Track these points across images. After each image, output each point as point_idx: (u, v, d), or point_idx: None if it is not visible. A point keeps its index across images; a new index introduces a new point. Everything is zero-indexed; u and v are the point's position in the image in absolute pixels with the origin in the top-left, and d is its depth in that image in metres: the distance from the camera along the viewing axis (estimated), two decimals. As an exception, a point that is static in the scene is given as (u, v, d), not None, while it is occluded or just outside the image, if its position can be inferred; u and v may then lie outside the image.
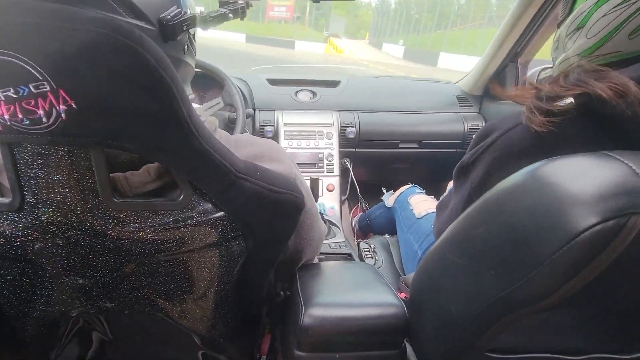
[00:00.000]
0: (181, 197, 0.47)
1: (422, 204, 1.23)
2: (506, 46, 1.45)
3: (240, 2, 0.65)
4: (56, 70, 0.36)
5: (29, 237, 0.45)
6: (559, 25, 0.63)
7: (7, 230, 0.45)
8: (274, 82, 1.71)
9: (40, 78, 0.36)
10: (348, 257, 1.14)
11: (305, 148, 1.53)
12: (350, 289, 0.68)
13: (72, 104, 0.38)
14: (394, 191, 1.44)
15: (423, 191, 1.37)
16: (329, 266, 0.80)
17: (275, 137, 1.54)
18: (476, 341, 0.52)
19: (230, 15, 0.61)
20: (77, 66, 0.37)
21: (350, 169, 1.68)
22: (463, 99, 1.77)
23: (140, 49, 0.37)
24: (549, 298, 0.42)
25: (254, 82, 1.66)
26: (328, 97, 1.68)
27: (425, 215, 1.16)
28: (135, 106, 0.40)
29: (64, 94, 0.37)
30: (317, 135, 1.55)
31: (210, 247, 0.52)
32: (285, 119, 1.55)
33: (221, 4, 0.66)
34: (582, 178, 0.39)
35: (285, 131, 1.53)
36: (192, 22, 0.54)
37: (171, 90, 0.40)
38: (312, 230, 0.68)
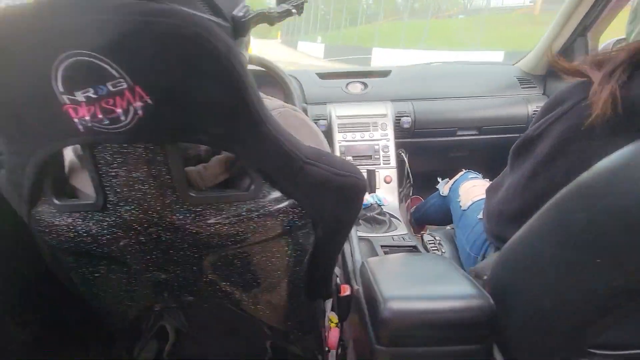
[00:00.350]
0: (252, 186, 0.47)
1: (470, 191, 1.16)
2: (575, 18, 1.34)
3: None
4: (132, 66, 0.37)
5: (114, 235, 0.47)
6: None
7: (93, 229, 0.47)
8: (323, 76, 1.70)
9: (117, 75, 0.37)
10: (413, 249, 1.11)
11: (360, 140, 1.51)
12: (429, 281, 0.66)
13: (148, 100, 0.38)
14: (450, 179, 1.39)
15: (478, 175, 1.30)
16: (401, 258, 0.78)
17: (328, 130, 1.53)
18: (578, 336, 0.48)
19: (294, 11, 0.61)
20: (151, 59, 0.37)
21: (406, 160, 1.63)
22: (525, 80, 1.66)
23: (211, 38, 0.37)
24: None
25: (303, 77, 1.66)
26: (380, 88, 1.64)
27: (470, 206, 1.10)
28: (208, 97, 0.40)
29: (140, 91, 0.38)
30: (371, 127, 1.52)
31: (282, 236, 0.52)
32: (337, 111, 1.54)
33: (280, 1, 0.67)
34: None
35: (339, 124, 1.52)
36: (261, 18, 0.54)
37: (242, 79, 0.40)
38: None
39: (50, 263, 0.57)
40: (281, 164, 0.47)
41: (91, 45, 0.36)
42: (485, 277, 0.75)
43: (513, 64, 1.79)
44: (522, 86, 1.64)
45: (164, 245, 0.48)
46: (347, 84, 1.66)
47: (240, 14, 0.52)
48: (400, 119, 1.55)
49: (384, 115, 1.53)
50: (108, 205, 0.46)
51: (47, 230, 0.49)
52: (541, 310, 0.51)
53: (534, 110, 1.57)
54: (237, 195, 0.48)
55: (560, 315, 0.49)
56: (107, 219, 0.46)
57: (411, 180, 1.65)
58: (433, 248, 1.12)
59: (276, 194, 0.49)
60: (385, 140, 1.52)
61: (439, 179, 1.46)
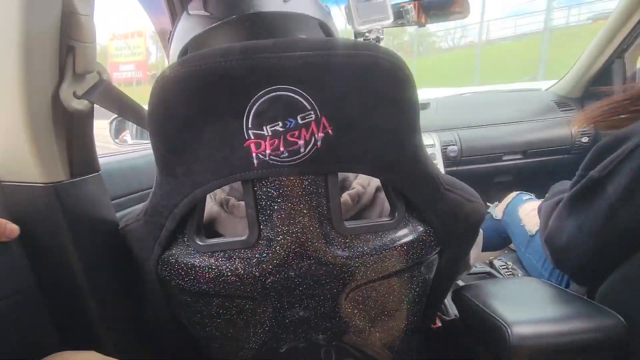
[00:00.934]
0: (396, 214, 0.48)
1: (532, 215, 1.14)
2: (614, 42, 1.39)
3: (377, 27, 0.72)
4: (324, 98, 0.39)
5: (263, 272, 0.47)
6: None
7: (240, 267, 0.47)
8: None
9: (309, 108, 0.39)
10: (487, 275, 1.10)
11: (411, 172, 1.53)
12: (544, 304, 0.65)
13: (329, 131, 0.40)
14: (499, 202, 1.38)
15: (532, 196, 1.29)
16: (496, 284, 0.77)
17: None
18: None
19: (382, 37, 0.67)
20: (345, 91, 0.39)
21: None
22: (562, 104, 1.69)
23: (405, 69, 0.40)
24: None
25: None
26: (422, 120, 1.67)
27: (538, 231, 1.09)
28: (386, 123, 0.42)
29: (325, 122, 0.40)
30: (420, 158, 1.54)
31: (415, 266, 0.52)
32: None
33: (357, 36, 0.73)
34: None
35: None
36: None
37: (416, 103, 0.42)
38: None
39: (164, 310, 0.57)
40: (427, 190, 0.48)
41: (291, 79, 0.38)
42: (584, 297, 0.73)
43: (546, 90, 1.83)
44: (560, 109, 1.67)
45: (310, 280, 0.48)
46: None
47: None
48: (446, 148, 1.58)
49: (432, 146, 1.55)
50: (260, 241, 0.46)
51: (182, 273, 0.49)
52: None
53: (577, 131, 1.59)
54: (384, 224, 0.49)
55: None
56: (257, 255, 0.46)
57: None
58: (508, 273, 1.10)
59: (414, 222, 0.50)
60: (435, 170, 1.53)
61: (488, 204, 1.46)
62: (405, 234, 0.50)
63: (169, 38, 0.60)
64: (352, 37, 0.80)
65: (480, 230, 0.77)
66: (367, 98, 0.40)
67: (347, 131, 0.41)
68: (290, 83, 0.38)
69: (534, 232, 1.10)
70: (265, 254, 0.46)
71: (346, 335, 0.55)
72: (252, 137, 0.40)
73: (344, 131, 0.41)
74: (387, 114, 0.41)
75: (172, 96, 0.40)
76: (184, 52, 0.54)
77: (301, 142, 0.40)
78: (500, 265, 1.13)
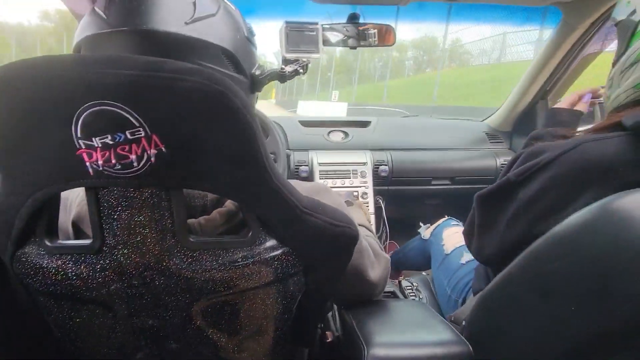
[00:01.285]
0: (250, 233, 0.49)
1: (453, 237, 1.21)
2: (537, 84, 1.49)
3: (303, 59, 0.72)
4: (152, 117, 0.39)
5: (106, 279, 0.47)
6: (614, 64, 0.66)
7: (84, 272, 0.47)
8: (306, 123, 1.77)
9: (137, 125, 0.39)
10: (391, 295, 1.13)
11: (340, 187, 1.55)
12: (410, 328, 0.67)
13: (162, 148, 0.40)
14: (431, 224, 1.43)
15: (460, 223, 1.36)
16: (381, 305, 0.79)
17: (310, 176, 1.57)
18: None
19: (301, 70, 0.67)
20: (173, 113, 0.39)
21: (383, 207, 1.68)
22: (492, 135, 1.78)
23: (231, 95, 0.40)
24: None
25: (287, 124, 1.71)
26: (360, 137, 1.71)
27: (453, 251, 1.15)
28: (221, 148, 0.42)
29: (156, 139, 0.40)
30: (351, 174, 1.57)
31: (274, 283, 0.53)
32: (319, 159, 1.59)
33: (285, 62, 0.73)
34: None
35: (320, 171, 1.56)
36: (274, 76, 0.60)
37: (254, 133, 0.43)
38: (362, 259, 0.67)
39: (26, 308, 0.55)
40: (279, 213, 0.49)
41: (116, 96, 0.38)
42: (463, 323, 0.77)
43: (482, 120, 1.92)
44: (490, 141, 1.76)
45: (156, 290, 0.48)
46: (329, 133, 1.72)
47: (258, 72, 0.58)
48: (378, 168, 1.62)
49: (364, 164, 1.59)
50: (104, 248, 0.46)
51: (32, 272, 0.48)
52: (525, 355, 0.53)
53: (502, 163, 1.68)
54: (234, 242, 0.49)
55: (545, 359, 0.51)
56: (101, 261, 0.46)
57: (387, 226, 1.69)
58: (411, 294, 1.14)
59: (272, 242, 0.51)
60: (364, 187, 1.57)
61: (421, 224, 1.50)
62: (260, 252, 0.50)
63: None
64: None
65: (387, 256, 0.79)
66: (197, 122, 0.40)
67: (182, 150, 0.41)
68: (116, 100, 0.38)
69: (448, 252, 1.15)
70: (108, 261, 0.47)
71: (203, 347, 0.55)
72: (83, 147, 0.40)
73: (178, 150, 0.41)
74: (222, 139, 0.42)
75: None
76: (78, 49, 0.54)
77: (133, 156, 0.40)
78: (406, 286, 1.16)
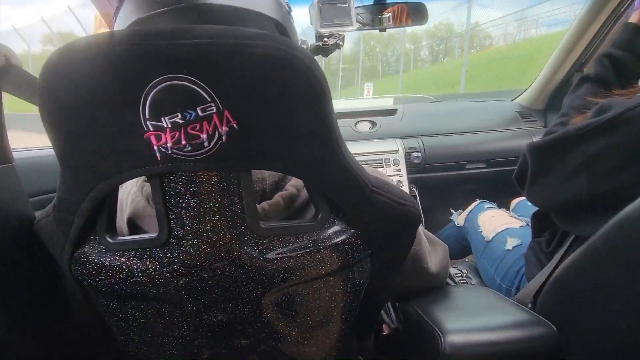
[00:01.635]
0: (319, 216, 0.47)
1: (490, 222, 1.16)
2: (573, 56, 1.42)
3: (339, 32, 0.70)
4: (224, 90, 0.36)
5: (174, 273, 0.44)
6: None
7: (151, 267, 0.44)
8: None
9: (209, 100, 0.36)
10: (442, 283, 1.09)
11: (374, 177, 1.52)
12: (481, 312, 0.64)
13: (234, 125, 0.38)
14: (463, 210, 1.39)
15: (493, 205, 1.31)
16: (441, 292, 0.76)
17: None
18: None
19: (341, 43, 0.65)
20: (245, 83, 0.37)
21: (417, 196, 1.64)
22: (526, 114, 1.72)
23: (308, 61, 0.38)
24: None
25: None
26: (388, 126, 1.68)
27: (494, 237, 1.10)
28: (293, 120, 0.40)
29: (228, 115, 0.37)
30: (384, 163, 1.54)
31: (343, 270, 0.50)
32: (350, 150, 1.56)
33: (320, 38, 0.71)
34: None
35: (352, 162, 1.53)
36: (319, 50, 0.58)
37: (329, 104, 0.40)
38: (420, 245, 0.65)
39: (83, 312, 0.54)
40: (349, 192, 0.47)
41: (186, 69, 0.35)
42: (529, 306, 0.73)
43: (512, 100, 1.86)
44: (523, 120, 1.70)
45: (226, 283, 0.46)
46: (356, 123, 1.69)
47: (305, 46, 0.54)
48: (410, 155, 1.58)
49: (396, 152, 1.55)
50: (171, 240, 0.44)
51: (93, 272, 0.46)
52: (618, 335, 0.50)
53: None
54: (304, 226, 0.47)
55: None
56: (168, 255, 0.44)
57: (422, 215, 1.65)
58: (462, 281, 1.10)
59: (340, 224, 0.48)
60: (398, 176, 1.53)
61: (452, 211, 1.47)
62: (329, 237, 0.48)
63: (113, 18, 0.56)
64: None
65: (445, 245, 0.76)
66: (273, 93, 0.38)
67: (254, 127, 0.39)
68: (186, 72, 0.36)
69: (490, 238, 1.11)
70: (176, 254, 0.44)
71: (272, 341, 0.53)
72: (151, 129, 0.38)
73: (250, 126, 0.38)
74: (296, 112, 0.39)
75: (58, 82, 0.37)
76: None
77: (204, 135, 0.38)
78: (455, 273, 1.12)
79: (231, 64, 0.36)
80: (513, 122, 1.70)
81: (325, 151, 0.43)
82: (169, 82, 0.36)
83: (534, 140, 1.60)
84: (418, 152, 1.59)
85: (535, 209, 0.90)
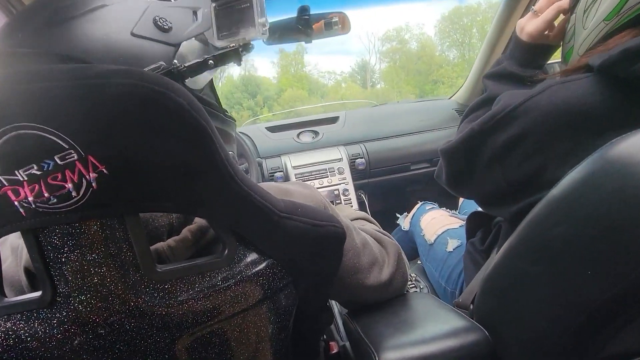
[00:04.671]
0: (226, 251, 0.44)
1: (431, 224, 1.17)
2: (499, 48, 1.47)
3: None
4: (83, 135, 0.34)
5: (66, 334, 0.40)
6: (571, 11, 0.64)
7: (40, 330, 0.40)
8: (273, 129, 1.72)
9: (67, 147, 0.33)
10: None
11: (320, 187, 1.50)
12: (418, 323, 0.63)
13: (104, 170, 0.35)
14: (408, 212, 1.39)
15: (435, 205, 1.32)
16: (384, 303, 0.75)
17: (286, 181, 1.51)
18: (583, 351, 0.46)
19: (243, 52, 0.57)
20: (106, 125, 0.34)
21: (366, 201, 1.64)
22: (462, 112, 1.77)
23: (172, 93, 0.35)
24: None
25: (254, 132, 1.66)
26: (330, 134, 1.67)
27: (436, 239, 1.10)
28: (172, 158, 0.37)
29: (93, 160, 0.34)
30: (328, 173, 1.53)
31: (263, 302, 0.47)
32: (293, 162, 1.54)
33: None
34: None
35: (295, 174, 1.51)
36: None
37: (207, 134, 0.38)
38: (359, 258, 0.60)
39: None
40: (255, 222, 0.44)
41: (34, 116, 0.32)
42: (471, 307, 0.73)
43: (449, 98, 1.91)
44: (460, 117, 1.74)
45: (128, 336, 0.42)
46: (298, 134, 1.67)
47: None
48: (355, 161, 1.58)
49: (340, 160, 1.54)
50: (58, 299, 0.39)
51: None
52: (538, 332, 0.49)
53: None
54: (209, 264, 0.43)
55: (560, 333, 0.47)
56: (57, 314, 0.40)
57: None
58: (411, 286, 1.09)
59: (252, 255, 0.46)
60: (344, 184, 1.52)
61: (398, 215, 1.47)
62: (241, 270, 0.44)
63: None
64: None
65: (394, 243, 0.73)
66: (138, 132, 0.35)
67: (127, 169, 0.36)
68: (34, 120, 0.32)
69: (432, 241, 1.11)
70: (65, 313, 0.40)
71: None
72: (6, 184, 0.34)
73: (122, 169, 0.35)
74: (170, 148, 0.36)
75: None
76: None
77: (69, 185, 0.35)
78: (404, 278, 1.11)
79: (85, 106, 0.33)
80: (452, 120, 1.73)
81: (218, 186, 0.40)
82: (16, 132, 0.32)
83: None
84: (362, 157, 1.59)
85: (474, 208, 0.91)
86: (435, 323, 0.62)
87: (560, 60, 0.73)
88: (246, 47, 0.57)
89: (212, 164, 0.39)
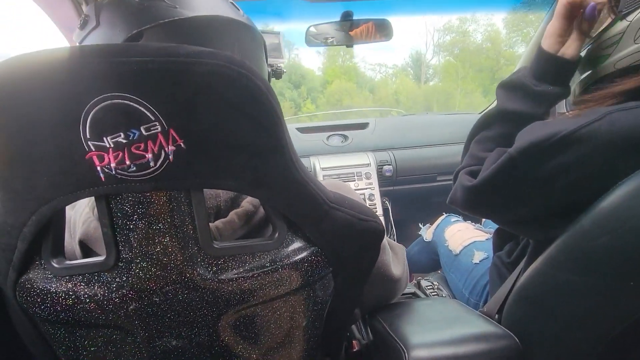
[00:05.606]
0: (277, 234, 0.46)
1: (457, 236, 1.16)
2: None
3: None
4: (168, 109, 0.36)
5: (124, 298, 0.43)
6: (623, 17, 0.57)
7: (99, 293, 0.42)
8: (304, 130, 1.74)
9: (153, 119, 0.36)
10: (413, 296, 1.08)
11: (346, 190, 1.52)
12: (447, 325, 0.64)
13: (181, 144, 0.37)
14: (431, 224, 1.39)
15: (460, 218, 1.31)
16: (410, 305, 0.76)
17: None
18: None
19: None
20: (190, 101, 0.36)
21: (390, 208, 1.65)
22: None
23: (253, 77, 0.37)
24: None
25: None
26: (360, 139, 1.69)
27: (462, 250, 1.10)
28: (243, 138, 0.39)
29: (174, 134, 0.37)
30: (355, 177, 1.54)
31: (304, 288, 0.49)
32: (322, 164, 1.56)
33: None
34: None
35: (324, 175, 1.53)
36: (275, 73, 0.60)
37: (279, 119, 0.40)
38: (383, 251, 0.63)
39: (30, 342, 0.50)
40: (307, 209, 0.46)
41: (127, 88, 0.35)
42: (496, 317, 0.73)
43: (479, 113, 1.91)
44: None
45: (179, 306, 0.44)
46: (328, 137, 1.70)
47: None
48: (382, 167, 1.59)
49: (367, 165, 1.56)
50: (120, 264, 0.42)
51: (38, 300, 0.43)
52: (572, 341, 0.50)
53: None
54: (261, 245, 0.45)
55: (595, 343, 0.48)
56: (117, 279, 0.42)
57: (394, 228, 1.66)
58: (433, 293, 1.09)
59: (299, 242, 0.47)
60: (370, 189, 1.54)
61: (421, 225, 1.47)
62: (288, 255, 0.46)
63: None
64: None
65: (402, 246, 0.75)
66: (218, 110, 0.37)
67: (202, 145, 0.38)
68: (127, 91, 0.35)
69: (457, 252, 1.11)
70: (125, 278, 0.42)
71: None
72: (93, 149, 0.36)
73: (198, 145, 0.38)
74: (244, 128, 0.39)
75: None
76: None
77: (149, 155, 0.37)
78: (427, 286, 1.12)
79: (174, 82, 0.35)
80: None
81: (280, 169, 0.42)
82: (110, 101, 0.35)
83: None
84: (389, 164, 1.60)
85: None
86: (465, 326, 0.62)
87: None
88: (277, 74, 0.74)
89: (279, 147, 0.41)
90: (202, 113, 0.37)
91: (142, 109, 0.35)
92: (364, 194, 1.53)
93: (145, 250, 0.42)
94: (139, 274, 0.42)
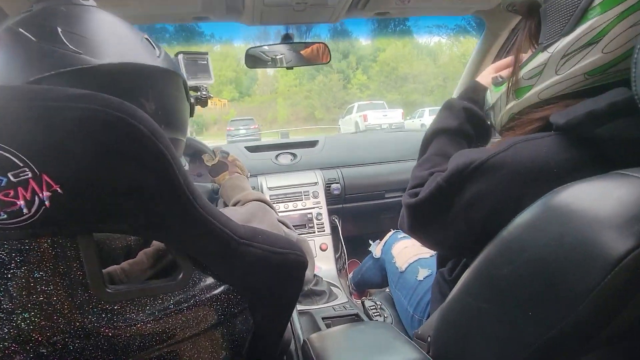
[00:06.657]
0: (181, 275, 0.44)
1: (403, 252, 1.18)
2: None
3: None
4: (39, 154, 0.34)
5: (6, 352, 0.39)
6: (543, 48, 0.59)
7: None
8: (252, 149, 1.72)
9: (21, 164, 0.34)
10: (355, 317, 1.08)
11: (293, 210, 1.51)
12: (373, 353, 0.63)
13: (57, 189, 0.35)
14: (381, 240, 1.41)
15: (407, 235, 1.34)
16: (341, 331, 0.75)
17: (260, 202, 1.51)
18: None
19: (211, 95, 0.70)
20: (63, 147, 0.35)
21: (339, 226, 1.65)
22: None
23: (133, 120, 0.36)
24: (598, 336, 0.39)
25: (233, 151, 1.66)
26: (309, 157, 1.69)
27: (407, 267, 1.11)
28: (129, 182, 0.38)
29: (47, 179, 0.35)
30: (303, 196, 1.53)
31: (217, 327, 0.47)
32: (268, 183, 1.54)
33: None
34: (606, 201, 0.38)
35: (270, 195, 1.51)
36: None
37: (167, 160, 0.39)
38: None
39: None
40: (212, 247, 0.44)
41: None
42: (429, 339, 0.73)
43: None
44: None
45: (71, 356, 0.41)
46: (277, 156, 1.69)
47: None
48: (330, 186, 1.59)
49: (315, 184, 1.56)
50: (0, 315, 0.39)
51: None
52: None
53: None
54: (162, 287, 0.43)
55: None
56: None
57: (344, 246, 1.66)
58: (375, 314, 1.09)
59: (208, 280, 0.46)
60: (317, 208, 1.53)
61: (370, 242, 1.48)
62: (195, 295, 0.44)
63: None
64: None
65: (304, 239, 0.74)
66: (95, 155, 0.36)
67: (82, 190, 0.36)
68: None
69: (403, 269, 1.12)
70: (6, 330, 0.39)
71: None
72: None
73: (77, 190, 0.36)
74: (128, 172, 0.37)
75: None
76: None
77: (20, 202, 0.35)
78: (370, 306, 1.12)
79: (44, 126, 0.34)
80: None
81: (177, 210, 0.41)
82: None
83: None
84: (337, 182, 1.60)
85: None
86: (390, 353, 0.62)
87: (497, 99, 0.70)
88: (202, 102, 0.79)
89: (170, 189, 0.39)
90: (78, 158, 0.35)
91: (8, 155, 0.33)
92: (311, 212, 1.52)
93: (26, 300, 0.38)
94: (21, 325, 0.39)
